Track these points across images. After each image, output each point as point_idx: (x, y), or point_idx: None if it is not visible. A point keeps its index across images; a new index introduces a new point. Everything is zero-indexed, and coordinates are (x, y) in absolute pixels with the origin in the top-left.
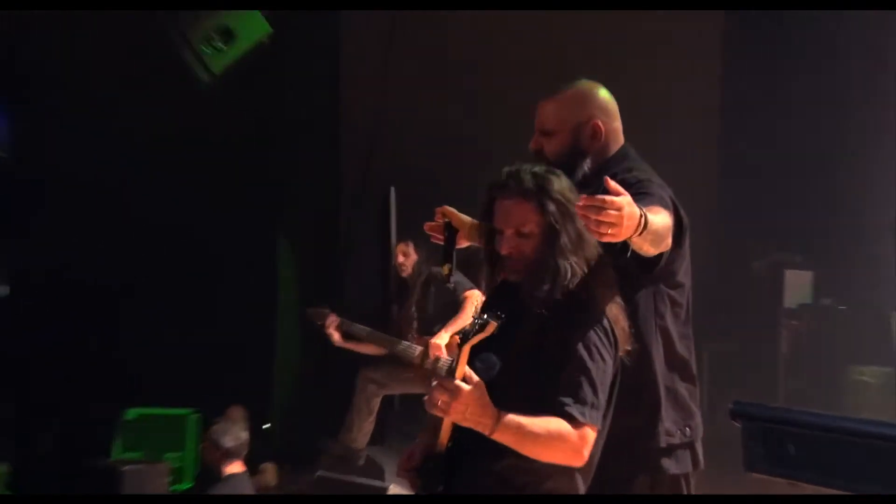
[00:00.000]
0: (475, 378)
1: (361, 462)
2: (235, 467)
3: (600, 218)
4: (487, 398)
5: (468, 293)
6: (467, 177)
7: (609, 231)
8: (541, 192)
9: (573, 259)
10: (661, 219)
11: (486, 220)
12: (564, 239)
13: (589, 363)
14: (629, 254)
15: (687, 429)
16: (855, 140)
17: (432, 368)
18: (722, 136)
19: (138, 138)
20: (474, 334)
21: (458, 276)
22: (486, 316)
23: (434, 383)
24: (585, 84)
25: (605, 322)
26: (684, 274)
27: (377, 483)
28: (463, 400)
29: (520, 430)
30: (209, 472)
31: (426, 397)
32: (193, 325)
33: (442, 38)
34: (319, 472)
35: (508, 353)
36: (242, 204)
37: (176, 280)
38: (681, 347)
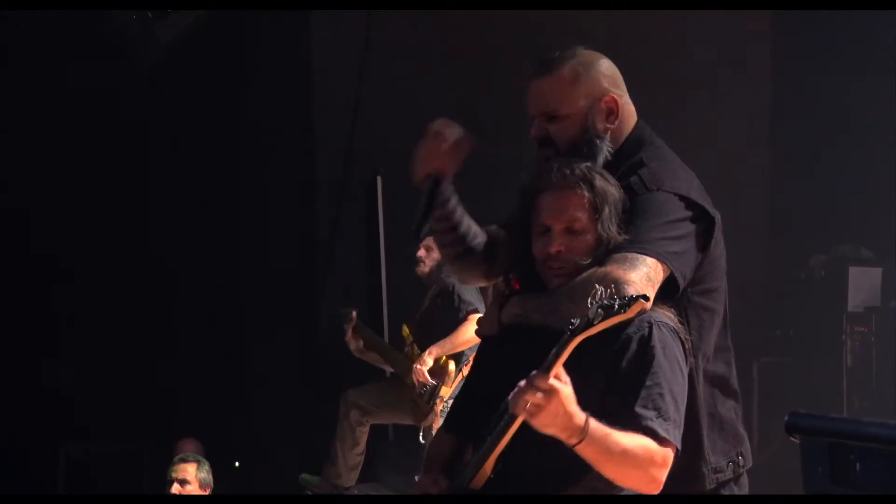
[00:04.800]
0: (566, 378)
1: None
2: None
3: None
4: (576, 403)
5: (473, 316)
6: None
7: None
8: (594, 187)
9: None
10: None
11: (523, 217)
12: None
13: (670, 375)
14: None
15: (739, 457)
16: None
17: (417, 394)
18: (776, 119)
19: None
20: (604, 318)
21: (467, 293)
22: (627, 297)
23: (523, 382)
24: (586, 54)
25: (676, 330)
26: (715, 275)
27: None
28: (557, 402)
29: (606, 442)
30: None
31: (511, 396)
32: (138, 347)
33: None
34: None
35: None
36: (203, 206)
37: (122, 295)
38: (716, 363)
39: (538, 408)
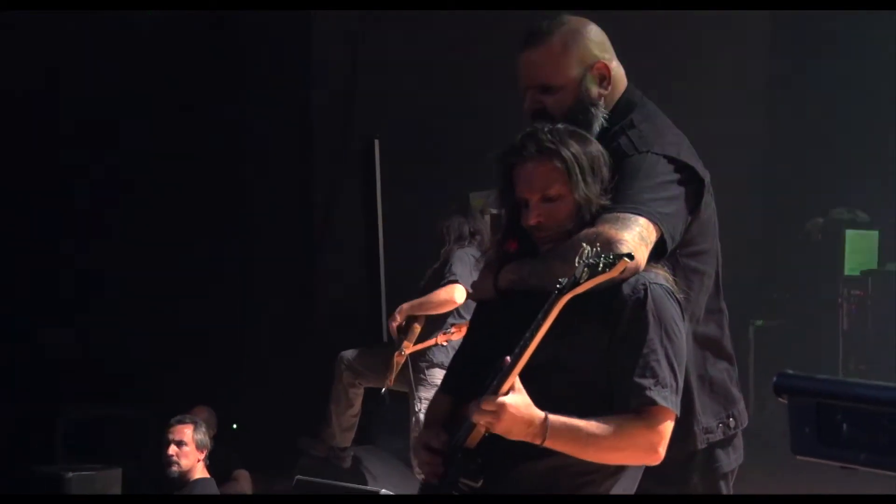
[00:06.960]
0: (518, 386)
1: (347, 464)
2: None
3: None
4: (531, 406)
5: (452, 285)
6: (457, 121)
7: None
8: (561, 154)
9: None
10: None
11: (506, 192)
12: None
13: (665, 339)
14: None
15: (731, 419)
16: None
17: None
18: (773, 82)
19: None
20: (590, 277)
21: (459, 265)
22: (612, 255)
23: (472, 405)
24: (573, 20)
25: (671, 288)
26: (705, 237)
27: (365, 487)
28: (509, 416)
29: (572, 434)
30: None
31: (472, 411)
32: (141, 314)
33: None
34: (297, 477)
35: (551, 338)
36: (202, 172)
37: (124, 264)
38: (707, 326)
39: (492, 424)
